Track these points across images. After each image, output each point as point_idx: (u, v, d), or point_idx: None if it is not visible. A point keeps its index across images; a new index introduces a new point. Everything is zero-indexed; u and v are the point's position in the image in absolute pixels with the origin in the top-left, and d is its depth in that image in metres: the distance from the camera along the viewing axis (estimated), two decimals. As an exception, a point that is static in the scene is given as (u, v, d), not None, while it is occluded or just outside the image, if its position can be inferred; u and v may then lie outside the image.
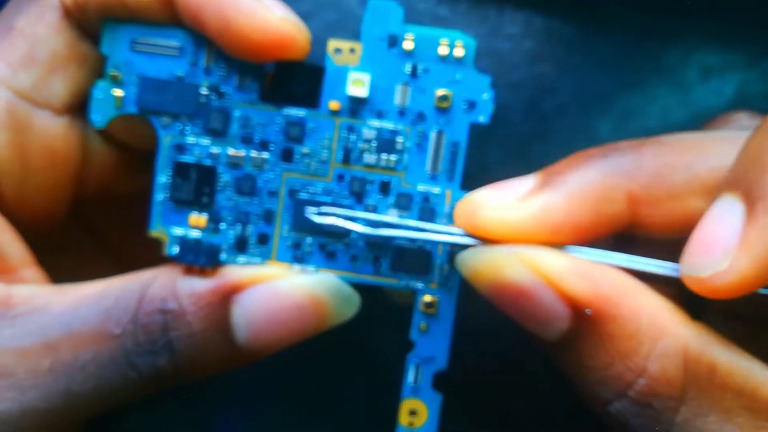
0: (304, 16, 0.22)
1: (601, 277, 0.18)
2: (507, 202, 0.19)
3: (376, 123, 0.21)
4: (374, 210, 0.21)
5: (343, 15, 0.27)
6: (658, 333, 0.18)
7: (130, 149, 0.24)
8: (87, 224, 0.26)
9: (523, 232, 0.19)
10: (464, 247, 0.20)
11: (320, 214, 0.21)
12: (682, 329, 0.18)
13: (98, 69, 0.21)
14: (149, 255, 0.26)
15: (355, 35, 0.21)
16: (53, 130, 0.21)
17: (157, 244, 0.22)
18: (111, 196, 0.24)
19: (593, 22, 0.27)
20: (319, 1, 0.27)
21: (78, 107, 0.22)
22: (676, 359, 0.18)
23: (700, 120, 0.27)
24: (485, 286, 0.19)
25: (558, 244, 0.19)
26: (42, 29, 0.21)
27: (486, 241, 0.19)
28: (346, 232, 0.21)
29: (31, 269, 0.22)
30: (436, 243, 0.21)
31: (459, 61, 0.20)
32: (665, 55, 0.27)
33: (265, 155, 0.21)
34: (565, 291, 0.18)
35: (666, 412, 0.18)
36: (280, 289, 0.21)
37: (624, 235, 0.20)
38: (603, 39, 0.27)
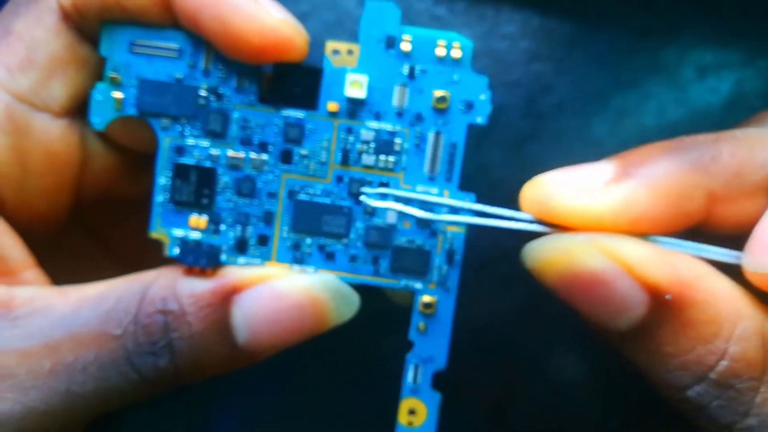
0: (303, 16, 0.22)
1: (679, 262, 0.18)
2: (587, 188, 0.19)
3: (374, 124, 0.21)
4: (373, 211, 0.21)
5: (342, 15, 0.27)
6: (737, 316, 0.18)
7: (130, 152, 0.24)
8: (88, 227, 0.26)
9: (603, 221, 0.19)
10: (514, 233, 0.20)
11: (376, 197, 0.21)
12: (759, 312, 0.19)
13: (97, 72, 0.21)
14: (150, 257, 0.26)
15: (354, 35, 0.21)
16: (52, 132, 0.21)
17: (157, 245, 0.22)
18: (111, 199, 0.25)
19: (590, 21, 0.27)
20: (317, 1, 0.27)
21: (77, 110, 0.22)
22: (756, 340, 0.18)
23: (696, 118, 0.27)
24: (557, 274, 0.19)
25: (634, 234, 0.19)
26: (40, 32, 0.21)
27: (558, 228, 0.19)
28: (345, 233, 0.21)
29: (32, 271, 0.22)
30: (504, 229, 0.20)
31: (456, 62, 0.21)
32: (662, 53, 0.27)
33: (264, 157, 0.21)
34: (644, 277, 0.18)
35: (747, 392, 0.18)
36: (279, 290, 0.21)
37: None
38: (600, 38, 0.27)
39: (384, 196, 0.21)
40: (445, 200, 0.20)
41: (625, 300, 0.18)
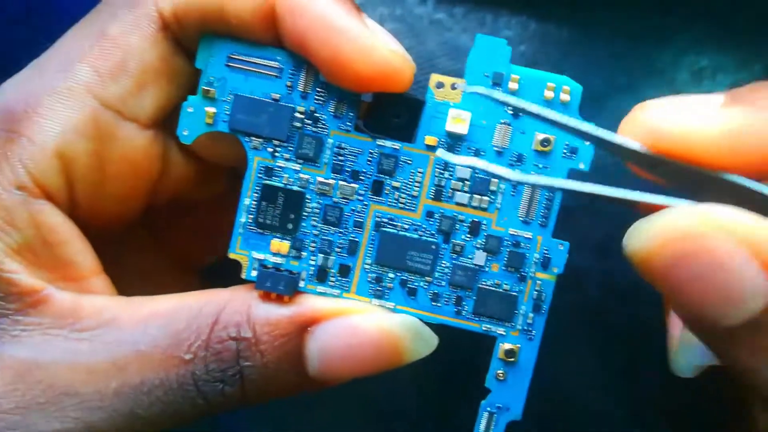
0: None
1: None
2: (701, 112, 0.17)
3: (472, 162, 0.20)
4: (462, 251, 0.20)
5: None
6: None
7: (207, 163, 0.23)
8: (149, 226, 0.25)
9: (720, 148, 0.16)
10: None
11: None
12: None
13: (189, 84, 0.21)
14: (210, 261, 0.26)
15: None
16: (136, 143, 0.21)
17: (217, 247, 0.21)
18: (177, 203, 0.24)
19: (586, 26, 0.28)
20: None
21: (163, 121, 0.21)
22: None
23: None
24: (667, 257, 0.16)
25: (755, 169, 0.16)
26: (136, 39, 0.20)
27: (665, 154, 0.17)
28: (430, 270, 0.20)
29: (99, 278, 0.21)
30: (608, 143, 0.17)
31: (564, 105, 0.20)
32: (657, 57, 0.27)
33: (355, 185, 0.20)
34: None
35: None
36: (357, 326, 0.20)
37: None
38: (596, 42, 0.27)
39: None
40: (564, 119, 0.17)
41: (747, 289, 0.15)
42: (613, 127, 0.28)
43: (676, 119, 0.17)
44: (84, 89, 0.20)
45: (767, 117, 0.16)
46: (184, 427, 0.20)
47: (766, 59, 0.27)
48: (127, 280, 0.21)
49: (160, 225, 0.25)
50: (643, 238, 0.16)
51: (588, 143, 0.19)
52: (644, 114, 0.17)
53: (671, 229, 0.16)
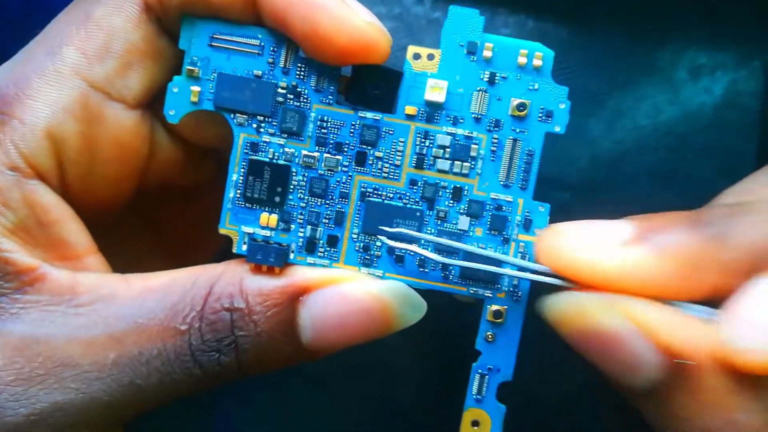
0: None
1: (695, 328, 0.18)
2: (601, 246, 0.19)
3: (451, 129, 0.21)
4: (445, 216, 0.21)
5: None
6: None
7: (192, 146, 0.24)
8: (141, 214, 0.26)
9: (612, 280, 0.19)
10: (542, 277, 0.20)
11: (392, 237, 0.21)
12: None
13: (173, 66, 0.21)
14: (199, 245, 0.26)
15: None
16: (124, 123, 0.21)
17: (207, 235, 0.21)
18: (165, 188, 0.25)
19: (585, 24, 0.28)
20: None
21: (150, 102, 0.22)
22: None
23: (690, 118, 0.27)
24: (573, 330, 0.19)
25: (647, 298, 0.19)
26: (119, 21, 0.21)
27: (570, 282, 0.19)
28: (417, 238, 0.21)
29: (94, 257, 0.21)
30: (512, 276, 0.20)
31: (537, 71, 0.20)
32: (656, 56, 0.28)
33: (339, 157, 0.21)
34: (660, 341, 0.18)
35: None
36: (348, 293, 0.20)
37: None
38: (594, 40, 0.28)
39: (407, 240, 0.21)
40: (464, 246, 0.20)
41: (640, 361, 0.18)
42: (613, 125, 0.28)
43: (577, 251, 0.19)
44: (71, 71, 0.20)
45: (663, 259, 0.19)
46: (182, 399, 0.21)
47: (764, 56, 0.27)
48: (120, 268, 0.22)
49: (151, 212, 0.26)
50: (550, 311, 0.19)
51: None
52: (550, 239, 0.20)
53: (571, 306, 0.19)
